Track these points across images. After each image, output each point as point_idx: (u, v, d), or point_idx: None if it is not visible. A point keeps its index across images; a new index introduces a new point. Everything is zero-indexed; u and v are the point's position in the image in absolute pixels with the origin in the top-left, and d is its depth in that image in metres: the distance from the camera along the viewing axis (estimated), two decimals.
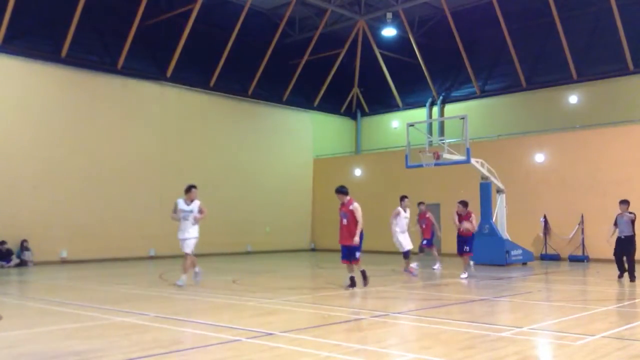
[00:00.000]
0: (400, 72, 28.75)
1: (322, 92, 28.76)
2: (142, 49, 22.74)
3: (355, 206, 11.43)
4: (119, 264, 19.55)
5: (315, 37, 26.54)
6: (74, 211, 20.36)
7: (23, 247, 19.11)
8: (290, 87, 27.39)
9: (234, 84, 25.76)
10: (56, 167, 20.16)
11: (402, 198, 14.48)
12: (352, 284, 11.48)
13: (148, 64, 23.16)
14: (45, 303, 10.13)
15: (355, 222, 11.34)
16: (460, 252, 14.23)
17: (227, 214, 24.01)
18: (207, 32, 24.59)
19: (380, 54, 28.08)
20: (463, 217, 14.00)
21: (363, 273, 11.68)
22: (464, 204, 14.05)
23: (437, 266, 16.40)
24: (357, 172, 26.99)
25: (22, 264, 18.81)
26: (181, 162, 23.31)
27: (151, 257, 21.72)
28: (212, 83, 24.62)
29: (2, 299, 10.92)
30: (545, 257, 20.42)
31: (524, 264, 18.18)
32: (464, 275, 13.92)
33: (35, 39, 20.12)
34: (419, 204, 16.79)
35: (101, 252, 20.57)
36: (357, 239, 11.32)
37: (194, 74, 24.36)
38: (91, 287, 12.81)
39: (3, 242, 18.69)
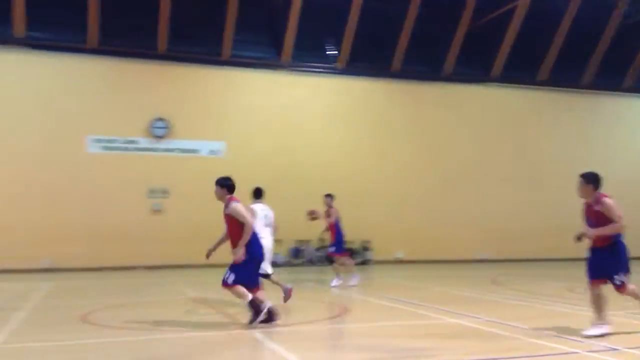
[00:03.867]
0: None
1: None
2: (467, 54, 22.96)
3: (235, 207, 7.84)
4: (449, 265, 20.01)
5: None
6: (410, 215, 21.64)
7: (365, 247, 21.15)
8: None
9: (567, 75, 24.04)
10: (393, 175, 21.78)
11: None
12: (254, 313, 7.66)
13: (472, 67, 23.33)
14: (385, 300, 10.91)
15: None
16: None
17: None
18: (534, 26, 23.48)
19: None
20: None
21: (253, 305, 7.64)
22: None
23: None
24: None
25: (364, 262, 20.81)
26: (501, 164, 22.79)
27: (480, 260, 21.67)
28: (541, 77, 23.49)
29: (348, 293, 12.21)
30: None
31: None
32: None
33: (371, 58, 22.10)
34: None
35: (433, 253, 21.33)
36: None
37: (520, 71, 23.57)
38: (424, 287, 13.39)
39: (349, 243, 21.01)
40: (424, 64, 22.72)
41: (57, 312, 9.63)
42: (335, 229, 13.25)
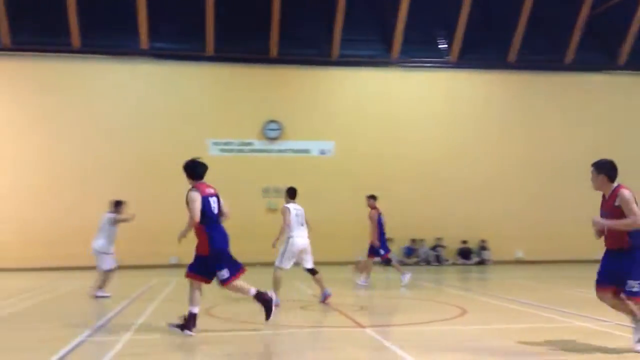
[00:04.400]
0: None
1: None
2: (589, 40, 21.53)
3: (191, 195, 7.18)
4: (571, 266, 18.85)
5: None
6: (528, 212, 20.64)
7: (482, 246, 20.45)
8: None
9: None
10: (510, 170, 20.91)
11: None
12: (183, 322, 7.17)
13: (596, 54, 21.84)
14: (503, 301, 10.48)
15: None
16: None
17: None
18: None
19: None
20: None
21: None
22: None
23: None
24: None
25: (481, 262, 20.13)
26: (630, 158, 21.02)
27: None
28: None
29: (464, 294, 11.85)
30: None
31: None
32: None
33: (484, 49, 21.31)
34: None
35: (556, 253, 20.21)
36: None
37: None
38: (545, 288, 12.73)
39: (464, 242, 20.43)
40: (542, 53, 21.57)
41: (183, 305, 10.15)
42: (379, 230, 13.05)
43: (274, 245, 9.90)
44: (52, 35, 19.23)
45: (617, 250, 5.98)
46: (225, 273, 7.10)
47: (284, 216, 9.84)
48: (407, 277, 12.83)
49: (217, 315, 8.83)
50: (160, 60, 19.90)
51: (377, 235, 12.87)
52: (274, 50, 20.06)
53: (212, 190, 7.33)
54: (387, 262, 13.59)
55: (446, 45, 21.10)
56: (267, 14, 19.42)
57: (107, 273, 11.24)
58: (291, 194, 10.25)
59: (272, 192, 19.45)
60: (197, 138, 19.54)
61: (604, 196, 6.15)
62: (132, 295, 11.36)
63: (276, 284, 9.58)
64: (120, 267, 11.88)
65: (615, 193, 5.98)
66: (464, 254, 20.40)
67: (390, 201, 19.43)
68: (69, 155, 19.05)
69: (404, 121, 20.64)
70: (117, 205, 11.51)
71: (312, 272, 9.95)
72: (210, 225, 7.16)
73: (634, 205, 5.84)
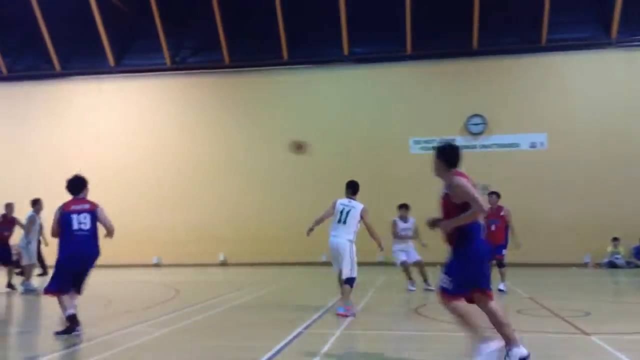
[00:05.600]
0: None
1: None
2: None
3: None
4: None
5: None
6: None
7: None
8: None
9: None
10: None
11: None
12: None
13: None
14: None
15: None
16: None
17: None
18: None
19: None
20: None
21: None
22: None
23: None
24: None
25: None
26: None
27: None
28: None
29: None
30: None
31: None
32: None
33: None
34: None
35: None
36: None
37: None
38: None
39: (615, 239, 17.76)
40: None
41: (391, 303, 10.24)
42: (505, 230, 11.49)
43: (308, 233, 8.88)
44: (264, 52, 20.82)
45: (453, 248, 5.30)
46: None
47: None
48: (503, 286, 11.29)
49: (425, 314, 8.73)
50: (359, 64, 20.42)
51: (504, 234, 11.53)
52: (475, 42, 19.40)
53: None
54: (500, 264, 11.65)
55: None
56: (466, 7, 18.87)
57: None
58: (352, 188, 9.15)
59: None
60: (399, 138, 19.67)
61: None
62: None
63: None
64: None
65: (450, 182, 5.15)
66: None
67: (606, 195, 17.66)
68: (283, 161, 20.21)
69: (624, 106, 18.54)
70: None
71: (345, 280, 8.59)
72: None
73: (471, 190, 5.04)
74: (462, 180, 5.31)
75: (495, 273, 9.76)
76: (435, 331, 7.50)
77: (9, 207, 13.29)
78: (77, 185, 7.59)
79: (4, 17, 21.00)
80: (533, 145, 19.08)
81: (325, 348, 6.33)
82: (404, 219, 12.10)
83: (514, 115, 19.27)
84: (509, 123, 19.28)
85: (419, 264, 11.91)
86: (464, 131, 19.49)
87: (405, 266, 11.88)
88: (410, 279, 11.85)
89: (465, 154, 19.20)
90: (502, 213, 11.38)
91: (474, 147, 19.33)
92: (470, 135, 19.43)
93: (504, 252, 11.38)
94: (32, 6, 20.23)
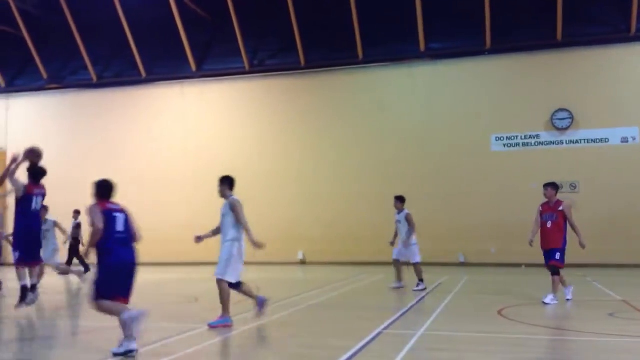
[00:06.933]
0: None
1: None
2: None
3: None
4: None
5: None
6: None
7: None
8: None
9: None
10: None
11: None
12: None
13: None
14: None
15: None
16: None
17: None
18: None
19: None
20: None
21: None
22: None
23: None
24: None
25: None
26: None
27: None
28: None
29: None
30: None
31: None
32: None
33: None
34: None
35: None
36: None
37: None
38: None
39: None
40: None
41: (473, 304, 9.96)
42: (564, 231, 9.69)
43: None
44: (339, 51, 20.80)
45: None
46: None
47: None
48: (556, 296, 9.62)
49: (508, 316, 8.42)
50: (437, 60, 20.01)
51: (563, 236, 9.72)
52: (559, 34, 18.57)
53: None
54: (554, 271, 9.81)
55: None
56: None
57: (416, 265, 11.72)
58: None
59: (567, 188, 17.77)
60: (481, 135, 19.16)
61: None
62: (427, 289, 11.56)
63: None
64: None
65: None
66: None
67: None
68: (370, 160, 20.15)
69: None
70: None
71: None
72: None
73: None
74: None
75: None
76: (513, 334, 7.19)
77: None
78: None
79: (94, 29, 22.12)
80: (624, 140, 18.05)
81: (407, 348, 6.22)
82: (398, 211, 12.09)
83: (602, 108, 18.32)
84: (598, 117, 18.34)
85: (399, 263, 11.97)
86: (549, 126, 18.71)
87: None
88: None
89: (551, 150, 18.86)
90: (560, 208, 9.66)
91: (560, 142, 18.57)
92: (557, 131, 18.62)
93: (558, 256, 9.51)
94: (119, 16, 21.19)
